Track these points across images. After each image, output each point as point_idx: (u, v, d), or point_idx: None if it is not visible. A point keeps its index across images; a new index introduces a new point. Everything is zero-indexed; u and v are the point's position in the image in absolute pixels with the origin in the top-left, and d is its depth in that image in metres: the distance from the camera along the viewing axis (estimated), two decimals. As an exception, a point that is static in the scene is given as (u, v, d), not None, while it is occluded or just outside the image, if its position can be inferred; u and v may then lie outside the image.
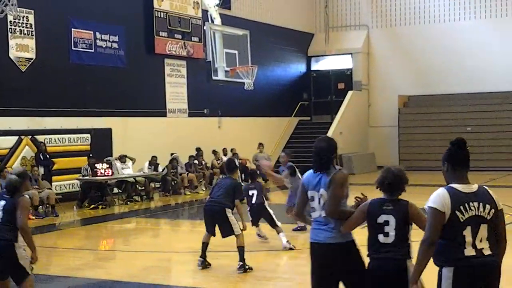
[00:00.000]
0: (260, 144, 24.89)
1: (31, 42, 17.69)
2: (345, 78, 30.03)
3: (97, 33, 19.69)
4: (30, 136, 17.39)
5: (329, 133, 26.97)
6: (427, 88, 28.60)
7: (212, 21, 24.25)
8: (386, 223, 4.93)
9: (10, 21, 17.04)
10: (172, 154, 20.69)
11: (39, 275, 9.99)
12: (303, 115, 30.07)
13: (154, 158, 19.81)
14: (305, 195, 5.36)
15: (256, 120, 26.58)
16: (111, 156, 19.05)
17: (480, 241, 4.45)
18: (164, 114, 22.38)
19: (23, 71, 17.50)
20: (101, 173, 17.45)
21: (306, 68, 30.78)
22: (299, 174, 12.30)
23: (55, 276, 9.66)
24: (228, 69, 24.69)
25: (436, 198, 4.45)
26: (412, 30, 29.04)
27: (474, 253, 4.42)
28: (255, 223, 11.53)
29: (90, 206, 17.33)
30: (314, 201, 5.27)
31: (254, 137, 25.25)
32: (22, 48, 17.50)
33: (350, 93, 28.77)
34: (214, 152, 22.96)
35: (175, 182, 20.38)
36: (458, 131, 25.74)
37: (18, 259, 6.34)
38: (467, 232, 4.42)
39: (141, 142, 20.44)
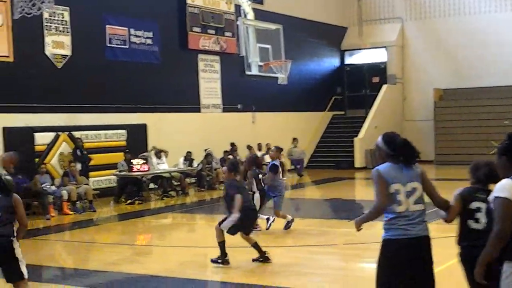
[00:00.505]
0: (294, 139, 24.85)
1: (66, 39, 17.88)
2: (379, 71, 29.80)
3: (132, 30, 19.83)
4: (67, 132, 17.59)
5: (364, 128, 26.84)
6: (463, 81, 28.22)
7: (245, 16, 24.29)
8: (478, 209, 5.04)
9: (46, 18, 17.23)
10: (206, 149, 20.76)
11: (78, 269, 10.15)
12: (337, 109, 29.93)
13: (189, 154, 19.90)
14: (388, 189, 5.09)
15: (290, 114, 26.52)
16: (147, 151, 19.18)
17: None
18: (198, 110, 22.46)
19: (59, 68, 17.69)
20: (137, 168, 17.58)
21: (340, 62, 30.61)
22: (280, 175, 12.65)
23: (93, 271, 9.76)
24: (261, 63, 24.72)
25: (506, 187, 4.35)
26: (448, 22, 28.67)
27: None
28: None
29: (126, 201, 17.47)
30: (400, 194, 5.05)
31: (288, 132, 25.20)
32: (58, 45, 17.70)
33: (384, 86, 28.56)
34: (249, 147, 22.96)
35: (210, 177, 20.45)
36: (495, 125, 25.40)
37: (15, 254, 6.48)
38: None
39: (176, 137, 20.55)
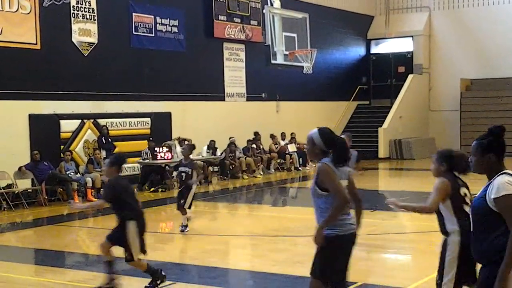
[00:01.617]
0: (319, 129, 24.74)
1: (93, 27, 17.98)
2: (405, 61, 29.54)
3: (157, 18, 19.87)
4: (92, 120, 17.74)
5: (388, 118, 26.68)
6: (491, 71, 27.86)
7: (271, 4, 24.20)
8: (465, 195, 5.31)
9: (73, 6, 17.34)
10: (230, 138, 20.80)
11: (100, 256, 10.23)
12: (362, 99, 29.76)
13: (212, 142, 19.95)
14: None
15: (315, 104, 26.43)
16: (171, 140, 19.26)
17: None
18: (222, 98, 22.48)
19: (85, 55, 17.81)
20: (161, 156, 17.67)
21: (366, 51, 30.40)
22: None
23: (116, 258, 9.83)
24: (287, 52, 24.63)
25: (508, 185, 4.04)
26: (475, 11, 28.30)
27: None
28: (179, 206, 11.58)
29: (150, 189, 17.59)
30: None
31: (312, 121, 25.05)
32: (85, 32, 17.80)
33: (410, 76, 28.33)
34: (272, 136, 22.96)
35: (233, 166, 20.49)
36: (523, 116, 25.07)
37: None
38: None
39: (200, 126, 20.61)
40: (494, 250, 4.04)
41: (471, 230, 4.25)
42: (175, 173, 11.95)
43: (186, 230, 11.40)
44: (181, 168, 11.46)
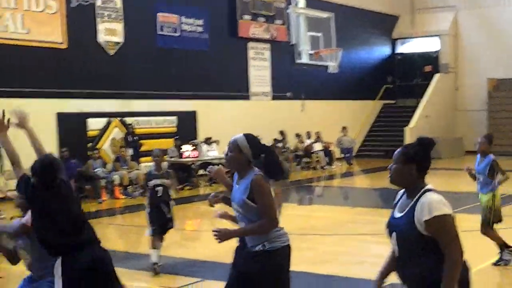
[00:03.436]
0: (344, 128, 24.67)
1: (119, 26, 18.08)
2: (431, 60, 29.31)
3: (183, 17, 19.93)
4: (119, 118, 17.83)
5: (415, 117, 26.49)
6: (519, 71, 27.55)
7: (296, 4, 24.16)
8: None
9: (99, 6, 17.45)
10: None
11: (128, 252, 10.28)
12: (387, 98, 29.58)
13: (238, 141, 19.92)
14: None
15: (340, 103, 26.32)
16: (196, 138, 19.30)
17: None
18: (247, 97, 22.48)
19: (111, 55, 17.92)
20: (187, 155, 17.71)
21: (391, 51, 30.22)
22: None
23: (143, 254, 9.87)
24: (312, 52, 24.58)
25: (442, 202, 3.71)
26: (503, 11, 27.98)
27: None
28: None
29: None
30: None
31: (337, 121, 25.03)
32: (111, 32, 17.91)
33: (436, 76, 28.11)
34: (297, 135, 22.90)
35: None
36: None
37: None
38: None
39: (225, 125, 20.60)
40: (428, 273, 3.69)
41: (396, 255, 3.86)
42: (150, 186, 8.93)
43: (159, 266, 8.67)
44: (155, 181, 9.04)
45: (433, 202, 3.68)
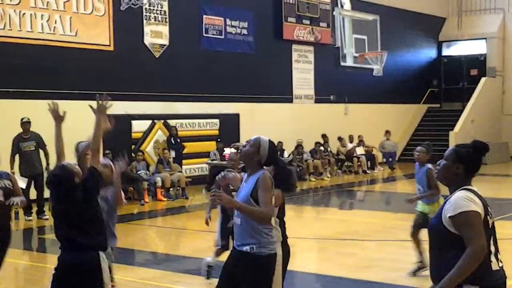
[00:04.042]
0: (387, 132, 24.47)
1: (164, 29, 18.28)
2: (478, 64, 28.86)
3: (227, 20, 20.05)
4: (162, 121, 18.01)
5: (460, 121, 26.12)
6: None
7: (342, 6, 24.07)
8: None
9: (146, 8, 17.68)
10: (297, 140, 20.79)
11: (169, 254, 10.41)
12: (432, 102, 29.24)
13: (280, 144, 19.93)
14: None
15: (384, 106, 26.12)
16: (238, 141, 19.36)
17: (499, 252, 3.83)
18: (290, 100, 22.48)
19: (157, 57, 18.13)
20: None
21: (437, 54, 29.86)
22: None
23: (183, 257, 9.98)
24: (356, 54, 24.47)
25: (469, 199, 3.73)
26: (553, 13, 27.42)
27: (498, 267, 3.79)
28: None
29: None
30: None
31: (381, 124, 24.84)
32: (156, 34, 18.13)
33: (483, 79, 27.64)
34: (340, 138, 22.81)
35: (301, 168, 20.45)
36: None
37: None
38: (492, 241, 3.80)
39: (267, 127, 20.57)
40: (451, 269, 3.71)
41: (429, 249, 3.96)
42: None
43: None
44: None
45: (460, 198, 3.72)
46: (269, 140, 4.94)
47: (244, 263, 4.75)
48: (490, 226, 3.77)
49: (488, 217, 3.77)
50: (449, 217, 3.71)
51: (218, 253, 7.98)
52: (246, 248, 4.72)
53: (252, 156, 4.82)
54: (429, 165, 8.34)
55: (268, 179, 4.70)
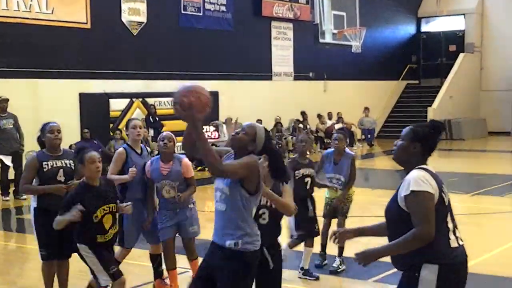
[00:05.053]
0: (366, 108, 24.57)
1: (142, 6, 18.12)
2: (456, 40, 29.00)
3: (206, -4, 19.90)
4: (141, 99, 17.93)
5: (438, 97, 26.29)
6: (546, 50, 27.16)
7: (320, -17, 23.97)
8: None
9: (122, -14, 17.49)
10: (276, 117, 20.81)
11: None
12: (411, 78, 29.37)
13: (258, 121, 19.95)
14: None
15: (362, 83, 26.19)
16: (217, 119, 19.35)
17: (457, 229, 3.80)
18: (269, 78, 22.46)
19: (134, 34, 17.99)
20: (208, 136, 17.79)
21: (416, 30, 29.93)
22: None
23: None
24: (335, 31, 24.43)
25: (424, 179, 3.67)
26: (531, -11, 27.54)
27: (457, 245, 3.73)
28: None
29: (197, 168, 17.71)
30: None
31: (360, 101, 24.93)
32: (134, 12, 17.96)
33: (461, 55, 27.81)
34: (319, 116, 22.86)
35: (280, 145, 20.49)
36: None
37: None
38: (450, 218, 3.75)
39: (247, 105, 20.63)
40: (412, 254, 3.65)
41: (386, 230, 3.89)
42: (298, 176, 7.23)
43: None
44: (304, 171, 7.48)
45: (414, 178, 3.66)
46: (265, 129, 4.63)
47: (226, 258, 4.37)
48: (446, 204, 3.73)
49: (443, 194, 3.72)
50: (404, 196, 3.67)
51: (292, 245, 7.32)
52: (229, 243, 4.35)
53: (246, 144, 4.42)
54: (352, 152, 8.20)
55: (252, 157, 4.34)
